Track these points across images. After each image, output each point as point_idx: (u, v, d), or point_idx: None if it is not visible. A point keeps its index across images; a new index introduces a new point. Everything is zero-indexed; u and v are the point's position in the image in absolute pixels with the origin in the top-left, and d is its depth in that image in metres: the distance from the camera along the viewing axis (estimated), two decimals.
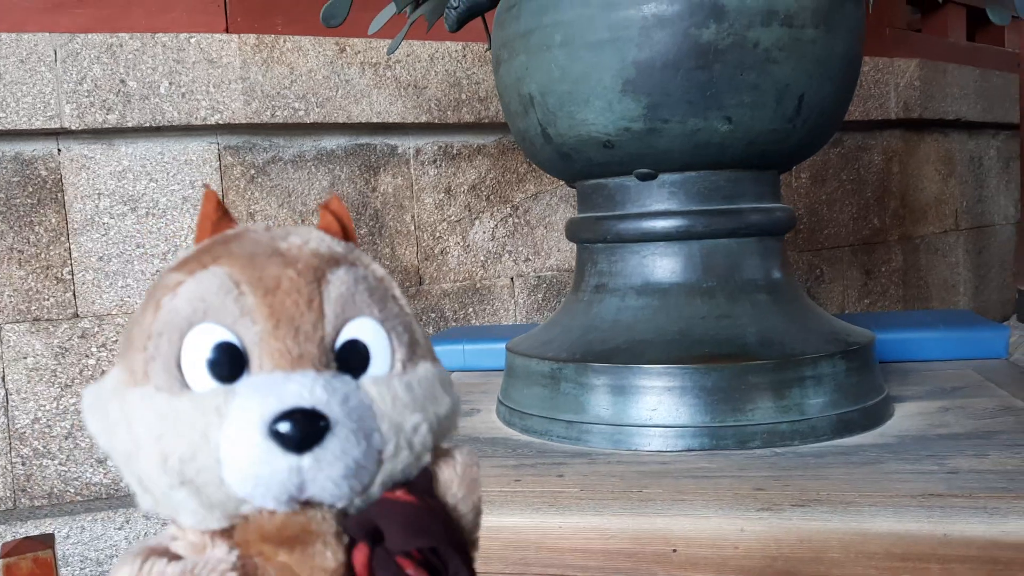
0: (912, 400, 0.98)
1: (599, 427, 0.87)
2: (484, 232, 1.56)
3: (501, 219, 1.57)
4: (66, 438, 1.30)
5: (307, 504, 0.34)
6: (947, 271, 2.18)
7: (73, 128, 1.29)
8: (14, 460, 1.29)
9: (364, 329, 0.37)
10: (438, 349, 1.29)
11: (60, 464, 1.30)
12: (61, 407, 1.30)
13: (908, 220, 2.06)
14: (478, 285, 1.56)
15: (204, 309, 0.35)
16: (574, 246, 1.63)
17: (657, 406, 0.85)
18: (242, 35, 1.35)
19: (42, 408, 1.29)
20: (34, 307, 1.30)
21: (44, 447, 1.30)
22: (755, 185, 0.93)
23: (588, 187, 0.98)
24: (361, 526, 0.34)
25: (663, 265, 0.92)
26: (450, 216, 1.53)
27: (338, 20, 0.99)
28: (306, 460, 0.33)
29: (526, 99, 0.92)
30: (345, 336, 0.36)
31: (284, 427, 0.32)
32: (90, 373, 1.31)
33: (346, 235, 0.41)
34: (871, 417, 0.89)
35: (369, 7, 1.07)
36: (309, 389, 0.33)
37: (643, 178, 0.91)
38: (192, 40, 1.33)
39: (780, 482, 0.73)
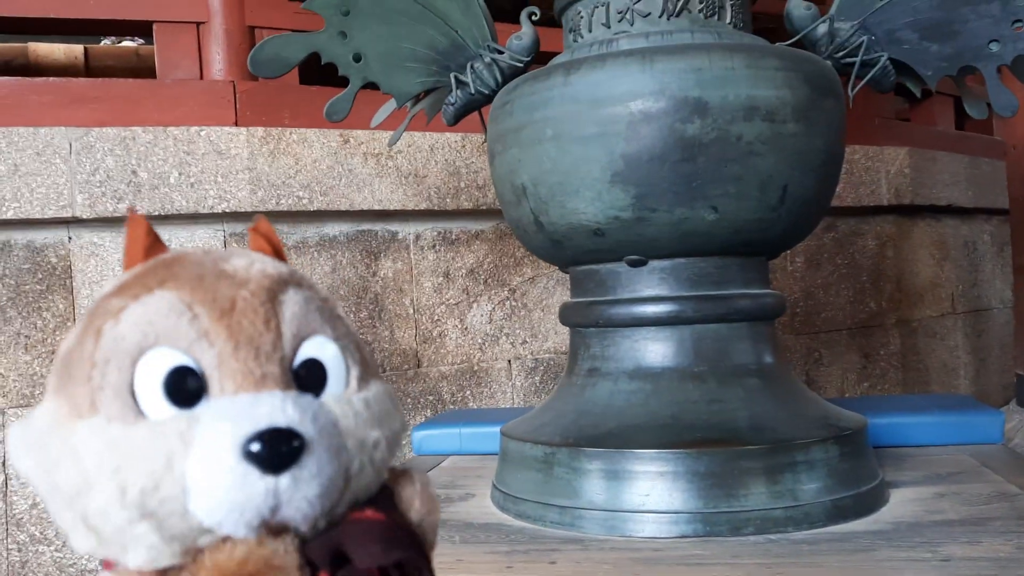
0: (907, 486, 0.98)
1: (592, 512, 0.87)
2: (482, 315, 1.58)
3: (499, 302, 1.59)
4: None
5: (269, 533, 0.33)
6: (946, 354, 2.19)
7: (84, 217, 1.33)
8: (10, 546, 1.28)
9: (321, 348, 0.36)
10: (435, 432, 1.30)
11: (56, 551, 1.29)
12: None
13: (904, 304, 2.08)
14: (476, 368, 1.57)
15: (155, 333, 0.34)
16: None
17: (650, 491, 0.85)
18: (250, 128, 1.40)
19: (40, 496, 1.29)
20: (38, 392, 1.31)
21: (41, 533, 1.29)
22: (743, 271, 0.95)
23: (580, 273, 1.00)
24: (323, 550, 0.33)
25: (654, 350, 0.94)
26: (448, 299, 1.56)
27: (340, 116, 1.03)
28: (284, 480, 0.32)
29: (519, 189, 0.96)
30: (303, 355, 0.36)
31: (259, 448, 0.31)
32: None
33: (277, 254, 0.40)
34: (865, 503, 0.88)
35: (371, 101, 1.12)
36: (280, 409, 0.33)
37: (633, 264, 0.94)
38: (202, 133, 1.38)
39: (772, 570, 0.73)
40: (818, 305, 1.94)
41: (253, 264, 0.37)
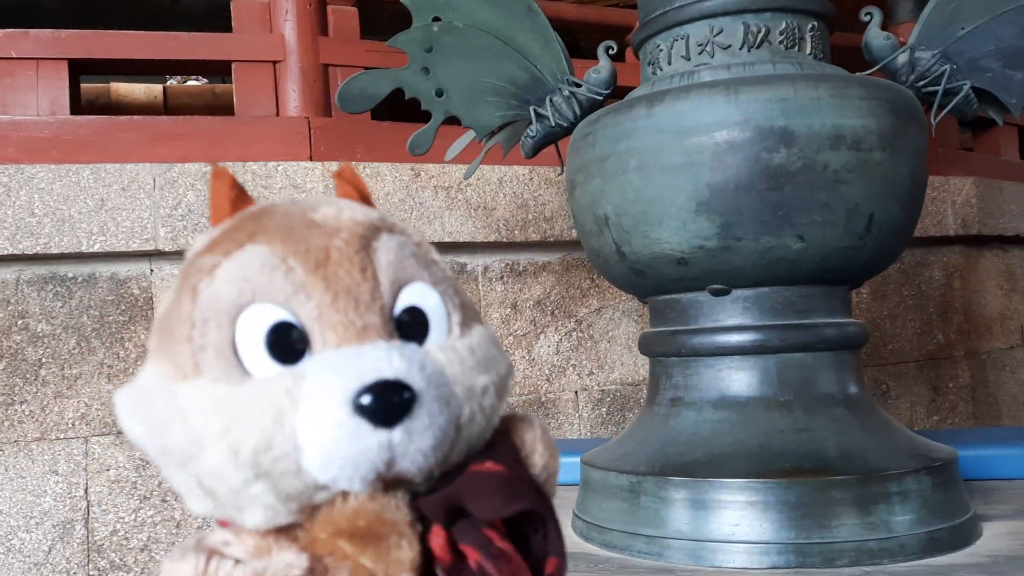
0: (1000, 519, 0.95)
1: (680, 542, 0.86)
2: (549, 346, 1.59)
3: (565, 333, 1.60)
4: (142, 550, 1.32)
5: (381, 488, 0.32)
6: (1016, 387, 2.13)
7: (166, 250, 1.37)
8: (91, 572, 1.31)
9: (420, 294, 0.35)
10: None
11: None
12: (139, 519, 1.33)
13: (973, 335, 2.04)
14: (543, 399, 1.57)
15: (251, 290, 0.33)
16: (637, 360, 1.65)
17: (739, 521, 0.84)
18: (325, 162, 1.44)
19: (121, 520, 1.32)
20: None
21: (120, 559, 1.32)
22: (827, 300, 0.95)
23: (661, 302, 1.00)
24: (438, 505, 0.32)
25: (739, 379, 0.93)
26: (516, 331, 1.57)
27: (423, 149, 1.06)
28: (397, 433, 0.31)
29: (601, 219, 0.97)
30: (403, 303, 0.34)
31: (369, 401, 0.30)
32: (168, 485, 1.34)
33: (364, 200, 0.39)
34: (960, 536, 0.87)
35: (443, 136, 1.14)
36: (387, 360, 0.31)
37: (717, 294, 0.94)
38: (279, 168, 1.42)
39: None
40: (885, 337, 1.91)
41: (343, 211, 0.36)
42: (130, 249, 1.36)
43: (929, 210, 1.92)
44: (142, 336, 1.38)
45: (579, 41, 2.33)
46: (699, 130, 0.88)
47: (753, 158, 0.86)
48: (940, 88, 0.96)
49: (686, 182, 0.89)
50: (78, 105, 1.48)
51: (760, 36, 0.95)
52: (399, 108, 1.22)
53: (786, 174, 0.86)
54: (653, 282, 0.98)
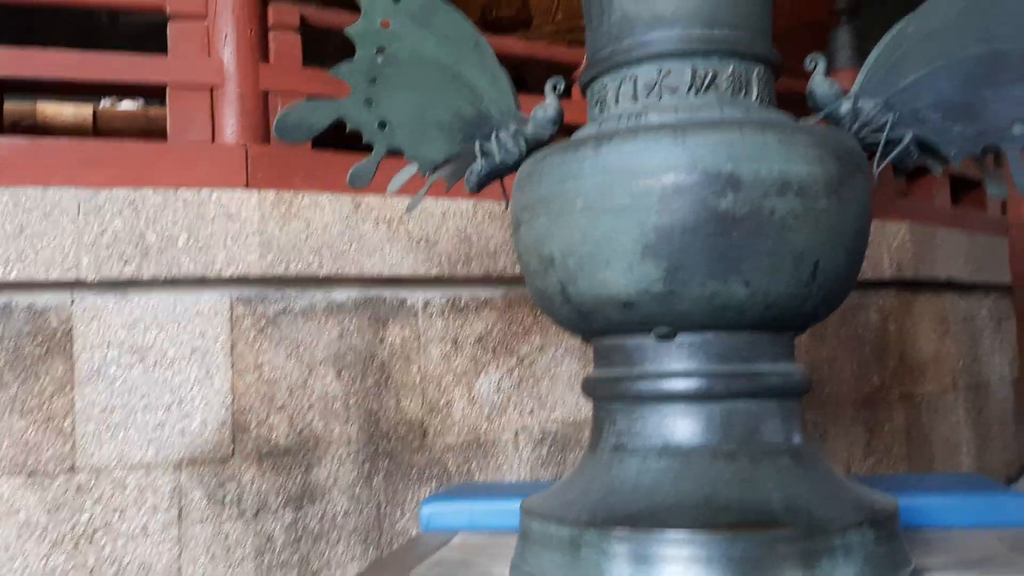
0: (939, 571, 0.94)
1: None
2: (490, 384, 1.56)
3: (507, 371, 1.57)
4: None
5: None
6: (949, 430, 2.17)
7: (89, 280, 1.31)
8: None
9: None
10: (443, 508, 1.25)
11: None
12: (50, 566, 1.24)
13: (908, 379, 2.07)
14: (482, 439, 1.54)
15: None
16: (579, 399, 1.62)
17: None
18: (262, 191, 1.39)
19: (28, 568, 1.23)
20: (31, 459, 1.26)
21: None
22: (772, 347, 0.94)
23: (606, 345, 0.98)
24: None
25: (683, 426, 0.91)
26: (456, 368, 1.53)
27: (364, 182, 1.02)
28: None
29: (547, 259, 0.94)
30: None
31: None
32: (82, 530, 1.26)
33: None
34: None
35: (386, 167, 1.10)
36: None
37: (662, 337, 0.92)
38: (213, 196, 1.37)
39: None
40: (822, 379, 1.93)
41: None
42: (49, 279, 1.29)
43: (866, 253, 1.96)
44: (59, 369, 1.30)
45: (524, 76, 2.33)
46: (646, 172, 0.86)
47: (700, 202, 0.85)
48: (883, 137, 0.97)
49: (632, 224, 0.87)
50: (0, 125, 1.41)
51: (707, 80, 0.94)
52: (341, 137, 1.18)
53: (733, 219, 0.85)
54: (598, 324, 0.95)
